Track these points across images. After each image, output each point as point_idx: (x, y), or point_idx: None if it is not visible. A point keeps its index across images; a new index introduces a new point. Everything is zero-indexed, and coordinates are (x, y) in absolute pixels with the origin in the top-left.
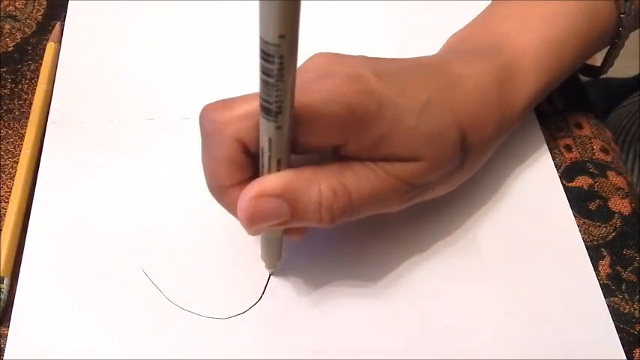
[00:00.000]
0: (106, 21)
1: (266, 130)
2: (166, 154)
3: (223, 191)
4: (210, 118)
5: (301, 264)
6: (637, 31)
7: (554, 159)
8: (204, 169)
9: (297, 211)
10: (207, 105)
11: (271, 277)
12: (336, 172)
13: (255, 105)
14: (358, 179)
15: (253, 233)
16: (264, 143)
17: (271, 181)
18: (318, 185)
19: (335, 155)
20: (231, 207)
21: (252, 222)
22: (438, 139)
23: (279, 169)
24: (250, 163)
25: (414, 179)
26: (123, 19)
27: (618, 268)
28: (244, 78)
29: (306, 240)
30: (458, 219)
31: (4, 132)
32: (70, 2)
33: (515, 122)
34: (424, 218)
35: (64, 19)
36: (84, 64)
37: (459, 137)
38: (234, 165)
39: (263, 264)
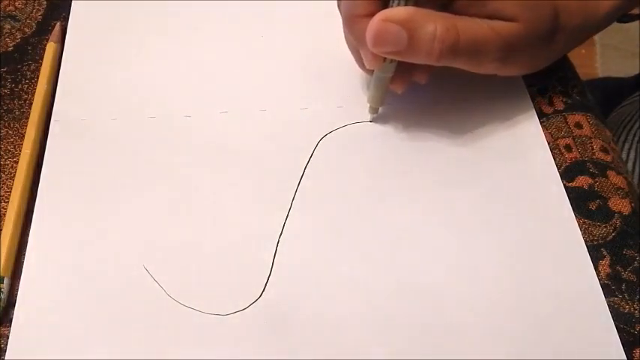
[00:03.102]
0: (108, 20)
1: None
2: (168, 152)
3: (357, 20)
4: None
5: (300, 263)
6: (637, 31)
7: (554, 159)
8: (343, 1)
9: (413, 40)
10: None
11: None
12: (449, 16)
13: None
14: (466, 25)
15: (372, 62)
16: None
17: (397, 11)
18: (434, 22)
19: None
20: (359, 35)
21: (377, 42)
22: (535, 6)
23: (405, 5)
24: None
25: (510, 37)
26: (125, 18)
27: (618, 268)
28: (245, 77)
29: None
30: (458, 219)
31: (4, 132)
32: (73, 2)
33: (599, 25)
34: (425, 218)
35: (64, 19)
36: (86, 62)
37: (552, 13)
38: None
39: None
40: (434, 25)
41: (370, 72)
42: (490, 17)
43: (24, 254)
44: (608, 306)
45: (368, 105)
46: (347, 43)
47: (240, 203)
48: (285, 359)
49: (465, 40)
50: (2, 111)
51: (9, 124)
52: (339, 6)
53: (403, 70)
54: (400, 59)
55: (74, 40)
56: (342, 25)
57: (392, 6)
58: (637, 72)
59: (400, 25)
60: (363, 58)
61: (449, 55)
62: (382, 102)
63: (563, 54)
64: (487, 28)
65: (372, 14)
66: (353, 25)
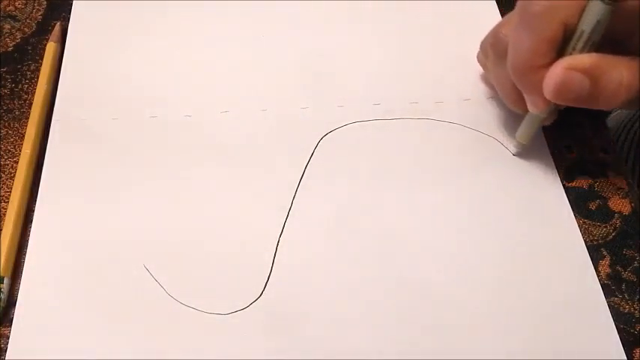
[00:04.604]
0: (109, 20)
1: (598, 13)
2: (168, 152)
3: (534, 70)
4: (539, 1)
5: (298, 267)
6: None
7: (554, 159)
8: (518, 48)
9: (596, 88)
10: None
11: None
12: (632, 60)
13: None
14: None
15: (541, 108)
16: (587, 26)
17: (581, 58)
18: (619, 68)
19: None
20: (534, 86)
21: (558, 91)
22: None
23: (588, 52)
24: (559, 48)
25: None
26: (126, 18)
27: (618, 268)
28: (246, 76)
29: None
30: (458, 219)
31: (4, 132)
32: (74, 2)
33: None
34: (425, 218)
35: (64, 19)
36: (87, 62)
37: None
38: (554, 46)
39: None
40: (619, 71)
41: (523, 110)
42: None
43: (24, 254)
44: (608, 306)
45: (515, 140)
46: (499, 84)
47: (240, 203)
48: (285, 359)
49: None
50: (2, 111)
51: (9, 124)
52: (482, 53)
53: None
54: (577, 106)
55: (74, 40)
56: (492, 68)
57: (571, 53)
58: None
59: (583, 73)
60: (531, 103)
61: (632, 101)
62: (529, 139)
63: None
64: None
65: (549, 65)
66: (528, 75)
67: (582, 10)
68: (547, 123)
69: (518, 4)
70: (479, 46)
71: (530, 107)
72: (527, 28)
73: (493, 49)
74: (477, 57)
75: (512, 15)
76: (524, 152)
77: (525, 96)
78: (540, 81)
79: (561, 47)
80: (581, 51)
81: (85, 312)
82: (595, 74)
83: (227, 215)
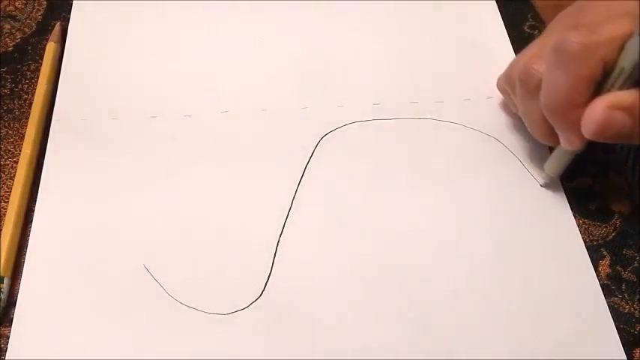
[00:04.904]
0: (109, 20)
1: (639, 50)
2: (168, 152)
3: (571, 109)
4: (577, 40)
5: (296, 271)
6: None
7: None
8: (554, 86)
9: (638, 125)
10: (571, 29)
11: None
12: None
13: (619, 30)
14: None
15: (577, 145)
16: (627, 63)
17: (622, 96)
18: None
19: None
20: (570, 124)
21: (600, 130)
22: None
23: (627, 88)
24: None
25: None
26: (126, 18)
27: (618, 268)
28: (246, 76)
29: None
30: (458, 220)
31: (4, 132)
32: (74, 2)
33: None
34: (425, 218)
35: (64, 19)
36: (87, 62)
37: None
38: (592, 84)
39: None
40: None
41: (554, 143)
42: None
43: (24, 254)
44: (608, 306)
45: (544, 172)
46: (529, 119)
47: (240, 203)
48: (285, 359)
49: None
50: (2, 111)
51: (9, 124)
52: (507, 84)
53: None
54: (614, 142)
55: (74, 40)
56: (520, 102)
57: (609, 90)
58: None
59: (624, 111)
60: (566, 141)
61: None
62: (559, 173)
63: None
64: None
65: (586, 104)
66: (565, 114)
67: (621, 47)
68: (577, 153)
69: (554, 41)
70: (503, 73)
71: (564, 144)
72: (565, 67)
73: (523, 85)
74: (498, 84)
75: (541, 48)
76: (524, 151)
77: (560, 133)
78: (577, 119)
79: (599, 84)
80: (620, 88)
81: (85, 312)
82: (636, 111)
83: (227, 215)
